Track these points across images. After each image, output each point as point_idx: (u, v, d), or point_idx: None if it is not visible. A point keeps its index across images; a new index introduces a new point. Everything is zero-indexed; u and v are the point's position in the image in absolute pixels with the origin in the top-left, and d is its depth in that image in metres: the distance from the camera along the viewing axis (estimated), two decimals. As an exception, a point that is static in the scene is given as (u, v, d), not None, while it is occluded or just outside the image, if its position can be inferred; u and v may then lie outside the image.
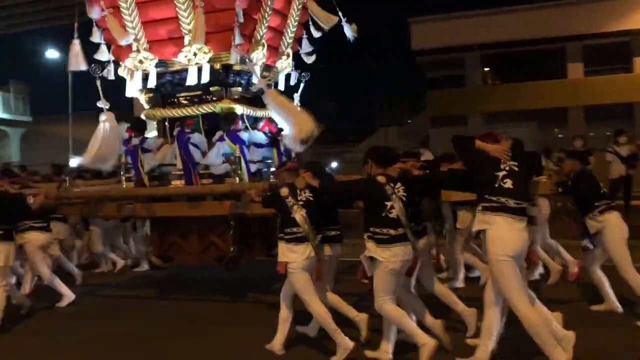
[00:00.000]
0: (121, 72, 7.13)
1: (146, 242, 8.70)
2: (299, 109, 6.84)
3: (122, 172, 7.10)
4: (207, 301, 7.05)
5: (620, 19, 20.86)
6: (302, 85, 7.82)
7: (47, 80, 30.98)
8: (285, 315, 5.07)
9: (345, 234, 5.50)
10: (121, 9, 6.77)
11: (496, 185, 4.31)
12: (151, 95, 7.20)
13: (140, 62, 6.91)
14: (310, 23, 7.68)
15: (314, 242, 4.84)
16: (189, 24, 6.64)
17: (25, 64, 35.53)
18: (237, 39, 6.41)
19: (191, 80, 6.75)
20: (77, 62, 6.99)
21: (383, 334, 4.76)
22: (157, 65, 6.94)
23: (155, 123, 7.34)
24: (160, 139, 7.12)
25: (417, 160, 5.77)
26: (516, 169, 4.36)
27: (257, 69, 7.00)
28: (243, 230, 6.59)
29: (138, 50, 6.88)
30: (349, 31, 7.47)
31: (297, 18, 7.51)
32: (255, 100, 7.23)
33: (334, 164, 20.50)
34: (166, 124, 7.06)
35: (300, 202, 4.91)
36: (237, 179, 6.48)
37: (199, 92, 6.98)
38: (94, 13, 6.92)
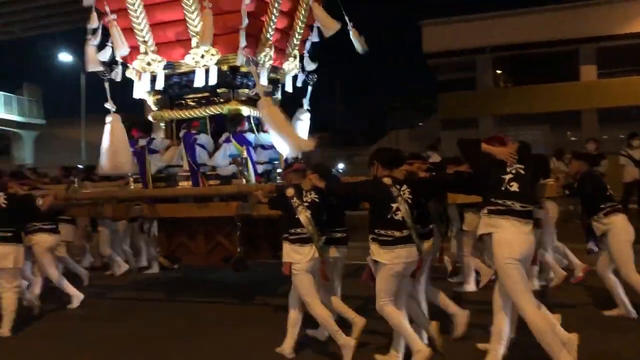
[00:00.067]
0: (129, 74, 7.17)
1: (154, 243, 8.72)
2: (289, 125, 6.70)
3: (129, 174, 7.13)
4: (215, 303, 7.04)
5: (634, 21, 20.67)
6: (309, 88, 7.82)
7: (60, 83, 31.33)
8: (294, 318, 5.05)
9: (352, 237, 5.48)
10: (129, 11, 6.83)
11: (502, 188, 4.29)
12: (159, 97, 7.24)
13: (148, 64, 6.97)
14: (315, 27, 7.67)
15: (318, 243, 4.83)
16: (196, 26, 6.67)
17: (38, 68, 35.93)
18: (243, 42, 6.41)
19: (198, 82, 6.78)
20: (95, 63, 7.03)
21: (393, 339, 4.73)
22: (164, 67, 6.99)
23: (162, 124, 7.36)
24: (168, 140, 7.15)
25: (423, 163, 5.74)
26: (522, 172, 4.33)
27: (264, 72, 7.01)
28: (250, 231, 6.60)
29: (146, 52, 6.93)
30: (357, 44, 7.43)
31: (304, 20, 7.51)
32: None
33: (345, 166, 20.52)
34: (173, 125, 7.07)
35: (306, 204, 4.90)
36: (244, 180, 6.48)
37: (206, 94, 7.01)
38: (95, 21, 6.97)
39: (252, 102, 7.10)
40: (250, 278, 7.94)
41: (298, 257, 4.83)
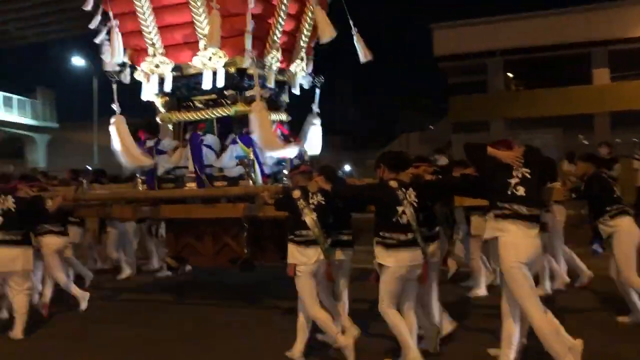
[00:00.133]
0: (137, 76, 7.23)
1: (163, 244, 8.75)
2: (273, 133, 6.66)
3: (138, 175, 7.18)
4: (223, 306, 7.05)
5: (647, 24, 20.51)
6: (317, 91, 7.83)
7: (73, 87, 31.62)
8: (304, 322, 5.03)
9: (359, 240, 5.47)
10: (137, 13, 6.88)
11: (508, 192, 4.28)
12: (167, 99, 7.27)
13: (157, 66, 7.01)
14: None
15: (324, 245, 4.82)
16: (204, 28, 6.69)
17: (52, 72, 36.29)
18: (248, 44, 6.43)
19: (206, 84, 6.81)
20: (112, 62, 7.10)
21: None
22: (172, 70, 7.02)
23: (170, 126, 7.40)
24: (175, 142, 7.18)
25: (429, 165, 5.73)
26: (528, 175, 4.32)
27: (271, 75, 7.03)
28: (256, 233, 6.61)
29: (154, 55, 6.97)
30: (360, 52, 7.44)
31: (311, 22, 7.51)
32: (269, 103, 7.26)
33: (356, 169, 20.52)
34: (181, 127, 7.11)
35: (312, 206, 4.91)
36: (251, 181, 6.50)
37: (213, 96, 7.03)
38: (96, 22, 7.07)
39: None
40: (257, 280, 7.95)
41: (303, 259, 4.84)
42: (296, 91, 7.69)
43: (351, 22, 7.38)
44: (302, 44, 7.53)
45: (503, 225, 4.25)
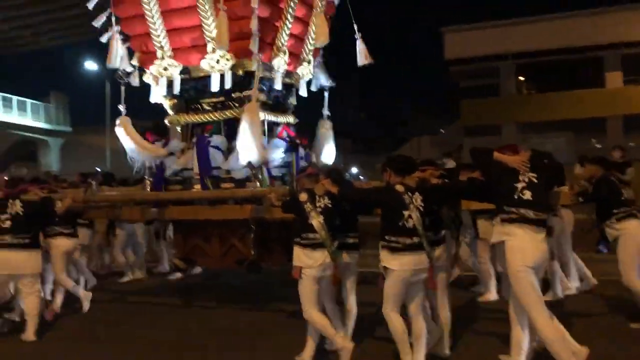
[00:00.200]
0: (146, 78, 7.29)
1: (171, 246, 8.79)
2: (261, 138, 6.60)
3: (147, 177, 7.23)
4: (229, 309, 7.04)
5: (660, 27, 20.36)
6: (326, 95, 7.82)
7: (86, 91, 31.92)
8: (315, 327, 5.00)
9: (367, 244, 5.45)
10: (146, 17, 6.94)
11: (515, 196, 4.28)
12: (175, 101, 7.32)
13: (165, 69, 7.06)
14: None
15: (331, 248, 4.82)
16: (212, 31, 6.74)
17: (65, 76, 36.68)
18: (254, 47, 6.46)
19: (214, 86, 6.85)
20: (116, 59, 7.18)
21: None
22: (181, 72, 7.07)
23: (179, 128, 7.45)
24: (183, 143, 7.22)
25: (435, 169, 5.71)
26: (535, 180, 4.31)
27: (278, 77, 7.05)
28: (263, 234, 6.62)
29: (163, 58, 7.03)
30: (359, 56, 7.47)
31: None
32: (276, 106, 7.29)
33: (366, 173, 20.48)
34: (189, 129, 7.16)
35: (319, 209, 4.90)
36: (258, 183, 6.52)
37: (221, 98, 7.06)
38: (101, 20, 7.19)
39: (267, 106, 7.14)
40: (264, 282, 7.95)
41: (309, 261, 4.83)
42: (303, 93, 7.71)
43: (355, 26, 7.41)
44: (309, 47, 7.56)
45: (510, 229, 4.25)
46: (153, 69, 7.17)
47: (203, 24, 6.80)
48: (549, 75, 23.52)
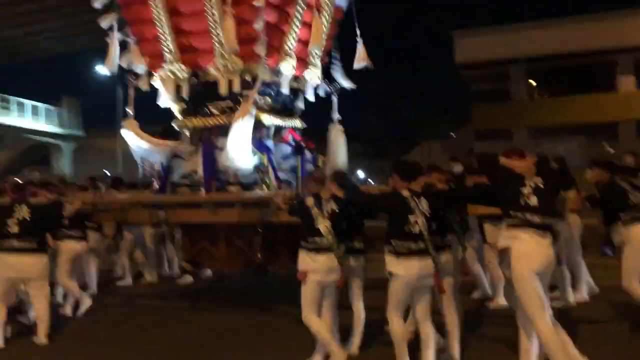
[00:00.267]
0: (155, 82, 7.33)
1: (177, 248, 8.83)
2: (248, 139, 6.69)
3: (154, 180, 7.27)
4: (236, 312, 7.03)
5: (673, 31, 20.17)
6: (334, 99, 7.84)
7: (98, 96, 32.20)
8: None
9: (374, 249, 5.43)
10: (154, 21, 6.99)
11: (521, 201, 4.27)
12: (183, 105, 7.35)
13: (173, 72, 7.09)
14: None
15: (338, 252, 4.81)
16: (219, 35, 6.77)
17: (77, 81, 37.03)
18: (260, 51, 6.49)
19: (222, 90, 6.88)
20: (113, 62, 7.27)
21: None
22: (189, 76, 7.11)
23: (187, 132, 7.48)
24: (192, 147, 7.26)
25: (442, 174, 5.69)
26: (541, 185, 4.30)
27: (285, 81, 7.06)
28: (270, 238, 6.63)
29: (171, 62, 7.07)
30: (358, 58, 7.51)
31: (326, 31, 7.54)
32: (283, 110, 7.31)
33: (376, 177, 20.43)
34: (197, 132, 7.20)
35: (325, 213, 4.89)
36: (265, 186, 6.53)
37: (229, 102, 7.09)
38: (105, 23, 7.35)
39: (273, 110, 7.16)
40: (271, 285, 7.95)
41: (314, 265, 4.82)
42: (311, 98, 7.72)
43: (357, 31, 7.45)
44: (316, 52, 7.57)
45: (516, 234, 4.24)
46: (161, 73, 7.22)
47: (211, 28, 6.84)
48: (560, 79, 23.36)
